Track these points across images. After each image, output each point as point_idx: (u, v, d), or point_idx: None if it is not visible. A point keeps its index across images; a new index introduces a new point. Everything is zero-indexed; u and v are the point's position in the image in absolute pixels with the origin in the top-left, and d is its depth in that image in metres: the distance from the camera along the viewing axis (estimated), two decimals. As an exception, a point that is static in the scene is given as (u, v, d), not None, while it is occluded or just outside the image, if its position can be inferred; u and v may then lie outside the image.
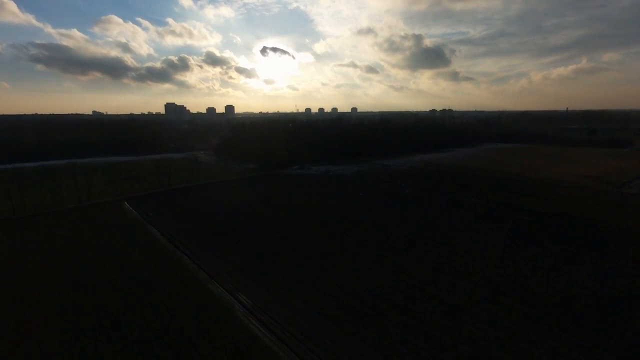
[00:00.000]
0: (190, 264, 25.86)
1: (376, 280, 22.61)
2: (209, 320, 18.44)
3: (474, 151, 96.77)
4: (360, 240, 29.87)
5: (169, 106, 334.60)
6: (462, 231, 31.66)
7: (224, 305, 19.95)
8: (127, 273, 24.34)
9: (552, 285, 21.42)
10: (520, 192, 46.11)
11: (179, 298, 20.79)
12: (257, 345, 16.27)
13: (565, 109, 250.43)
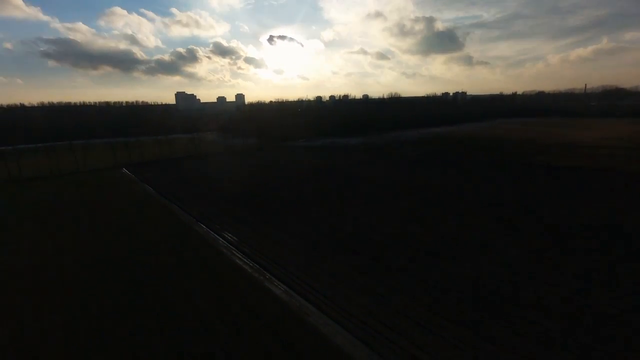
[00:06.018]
0: (179, 210, 24.83)
1: (370, 217, 21.06)
2: (191, 253, 17.30)
3: (487, 124, 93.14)
4: (357, 187, 28.28)
5: (179, 95, 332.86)
6: (467, 179, 29.69)
7: (208, 242, 18.77)
8: (115, 218, 23.50)
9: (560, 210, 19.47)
10: (534, 152, 43.51)
11: (163, 237, 19.73)
12: (239, 274, 15.00)
13: (584, 85, 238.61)
